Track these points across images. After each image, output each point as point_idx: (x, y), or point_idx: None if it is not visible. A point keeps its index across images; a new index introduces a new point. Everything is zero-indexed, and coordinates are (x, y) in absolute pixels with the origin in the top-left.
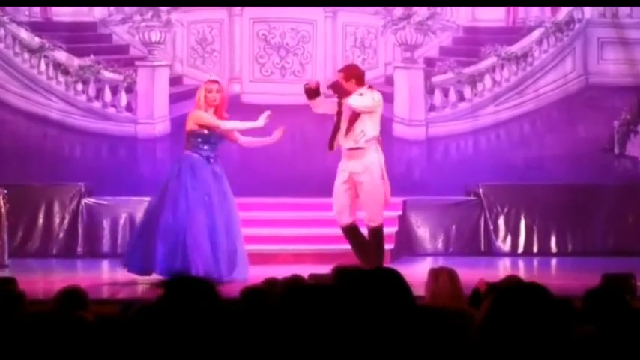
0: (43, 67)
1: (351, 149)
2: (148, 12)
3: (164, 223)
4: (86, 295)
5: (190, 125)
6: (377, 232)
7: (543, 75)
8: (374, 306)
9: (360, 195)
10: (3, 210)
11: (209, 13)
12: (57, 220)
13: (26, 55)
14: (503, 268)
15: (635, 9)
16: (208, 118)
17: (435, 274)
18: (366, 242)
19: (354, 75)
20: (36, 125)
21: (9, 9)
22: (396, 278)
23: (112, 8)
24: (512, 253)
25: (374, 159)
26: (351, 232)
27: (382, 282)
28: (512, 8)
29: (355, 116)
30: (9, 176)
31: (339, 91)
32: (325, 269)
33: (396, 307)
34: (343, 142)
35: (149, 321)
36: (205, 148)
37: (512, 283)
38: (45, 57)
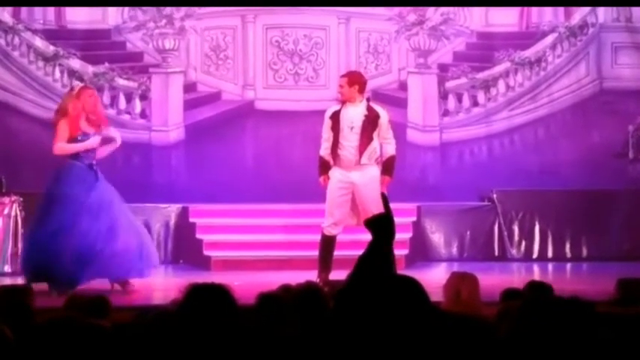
0: (57, 74)
1: (363, 165)
2: (162, 19)
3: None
4: (109, 303)
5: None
6: None
7: (557, 80)
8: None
9: (366, 205)
10: (18, 218)
11: (223, 19)
12: None
13: (41, 63)
14: (517, 274)
15: None
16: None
17: (460, 277)
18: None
19: (357, 82)
20: (51, 133)
21: (23, 17)
22: (414, 285)
23: (125, 15)
24: (527, 258)
25: (377, 172)
26: (333, 243)
27: (399, 289)
28: (525, 13)
29: (370, 135)
30: (24, 184)
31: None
32: (340, 275)
33: (414, 314)
34: (356, 157)
35: (165, 328)
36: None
37: (536, 288)
38: (59, 65)
